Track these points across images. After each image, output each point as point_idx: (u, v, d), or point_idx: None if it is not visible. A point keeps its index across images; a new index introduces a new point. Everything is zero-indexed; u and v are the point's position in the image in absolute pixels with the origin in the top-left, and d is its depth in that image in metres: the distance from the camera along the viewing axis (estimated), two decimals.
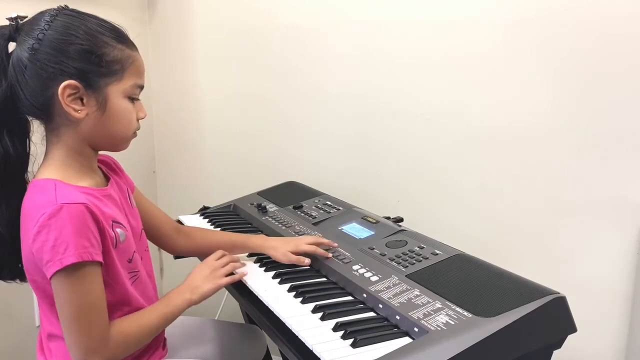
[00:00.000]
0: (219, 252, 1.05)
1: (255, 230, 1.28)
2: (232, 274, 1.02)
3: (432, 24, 1.37)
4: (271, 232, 1.23)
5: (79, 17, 0.85)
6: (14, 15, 0.86)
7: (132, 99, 0.90)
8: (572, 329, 0.80)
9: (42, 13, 0.85)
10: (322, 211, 1.27)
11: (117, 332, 0.84)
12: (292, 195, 1.42)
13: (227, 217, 1.38)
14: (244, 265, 1.06)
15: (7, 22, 0.86)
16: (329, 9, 1.54)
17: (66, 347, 0.87)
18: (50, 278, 0.79)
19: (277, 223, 1.25)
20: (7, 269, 0.91)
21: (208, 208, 1.45)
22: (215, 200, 1.51)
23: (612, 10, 1.14)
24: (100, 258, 0.81)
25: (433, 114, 1.41)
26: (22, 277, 0.90)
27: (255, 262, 1.08)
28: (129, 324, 0.87)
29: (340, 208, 1.27)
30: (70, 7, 0.88)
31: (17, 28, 0.84)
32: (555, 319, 0.78)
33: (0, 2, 1.32)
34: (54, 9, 0.86)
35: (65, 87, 0.82)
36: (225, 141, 1.87)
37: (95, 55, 0.83)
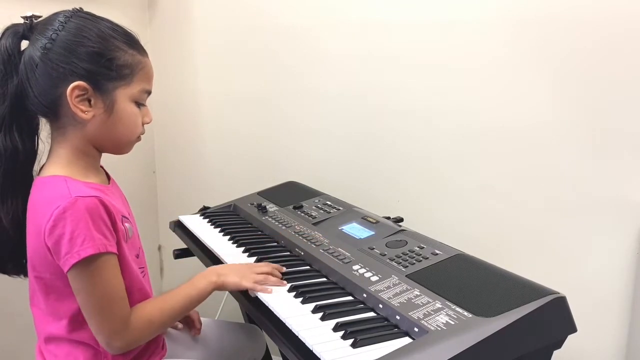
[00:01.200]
0: (267, 264, 1.01)
1: (255, 230, 1.28)
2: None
3: (432, 24, 1.37)
4: (271, 232, 1.23)
5: (93, 20, 0.87)
6: (29, 14, 0.87)
7: (139, 104, 0.91)
8: (572, 329, 0.80)
9: (56, 14, 0.86)
10: (322, 211, 1.27)
11: (139, 315, 0.86)
12: (292, 195, 1.42)
13: (227, 217, 1.38)
14: (281, 283, 0.96)
15: (21, 21, 0.87)
16: (328, 9, 1.54)
17: (68, 348, 0.87)
18: (68, 271, 0.80)
19: (277, 223, 1.25)
20: (12, 264, 0.92)
21: (208, 208, 1.45)
22: (215, 200, 1.51)
23: (613, 10, 1.14)
24: (114, 250, 0.83)
25: (433, 114, 1.41)
26: (26, 273, 0.91)
27: (256, 262, 1.07)
28: (152, 307, 0.89)
29: (340, 208, 1.27)
30: (72, 7, 0.89)
31: (31, 27, 0.86)
32: (555, 319, 0.78)
33: (8, 3, 1.33)
34: (69, 10, 0.87)
35: (74, 87, 0.83)
36: (225, 141, 1.87)
37: (105, 59, 0.85)
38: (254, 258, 1.09)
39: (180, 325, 1.16)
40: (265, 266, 1.00)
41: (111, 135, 0.89)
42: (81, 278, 0.81)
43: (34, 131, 0.90)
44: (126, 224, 0.89)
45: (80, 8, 0.89)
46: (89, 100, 0.85)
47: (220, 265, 0.98)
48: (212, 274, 0.96)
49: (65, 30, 0.84)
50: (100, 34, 0.85)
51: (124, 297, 0.85)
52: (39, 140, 0.91)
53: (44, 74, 0.83)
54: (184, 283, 0.95)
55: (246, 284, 0.94)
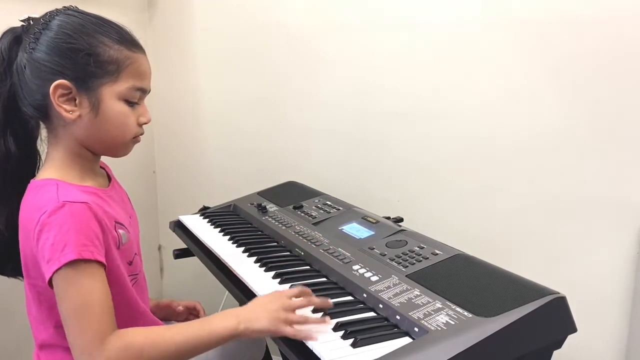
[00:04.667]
0: (301, 290, 0.86)
1: (255, 230, 1.28)
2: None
3: (434, 25, 1.37)
4: (271, 232, 1.23)
5: (78, 16, 0.84)
6: (25, 16, 0.85)
7: (131, 102, 0.87)
8: (572, 329, 0.80)
9: (46, 13, 0.85)
10: (322, 211, 1.27)
11: (119, 337, 0.76)
12: (292, 195, 1.42)
13: (227, 217, 1.38)
14: (322, 321, 0.82)
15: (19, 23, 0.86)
16: (328, 10, 1.54)
17: (62, 355, 0.86)
18: (52, 277, 0.76)
19: (277, 223, 1.25)
20: (9, 266, 0.91)
21: (208, 208, 1.45)
22: (215, 200, 1.51)
23: (614, 12, 1.14)
24: (101, 258, 0.78)
25: (433, 114, 1.41)
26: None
27: (256, 262, 1.08)
28: (140, 334, 0.79)
29: (340, 208, 1.27)
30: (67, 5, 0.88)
31: (27, 29, 0.84)
32: (555, 319, 0.78)
33: (12, 4, 1.34)
34: (59, 8, 0.85)
35: (56, 86, 0.81)
36: (225, 141, 1.87)
37: (85, 54, 0.82)
38: (254, 258, 1.09)
39: (181, 308, 1.14)
40: (299, 291, 0.85)
41: (100, 136, 0.86)
42: (61, 284, 0.76)
43: (30, 135, 0.88)
44: (120, 230, 0.86)
45: (71, 6, 0.87)
46: (75, 100, 0.83)
47: (244, 306, 0.83)
48: (235, 316, 0.80)
49: (48, 29, 0.82)
50: (81, 29, 0.82)
51: (103, 313, 0.76)
52: (41, 143, 0.89)
53: (31, 74, 0.82)
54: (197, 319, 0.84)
55: (283, 329, 0.78)
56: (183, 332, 0.79)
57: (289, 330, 0.78)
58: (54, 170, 0.86)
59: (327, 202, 1.31)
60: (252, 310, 0.82)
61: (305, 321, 0.81)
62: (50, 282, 0.77)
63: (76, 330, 0.76)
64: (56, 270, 0.75)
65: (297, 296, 0.85)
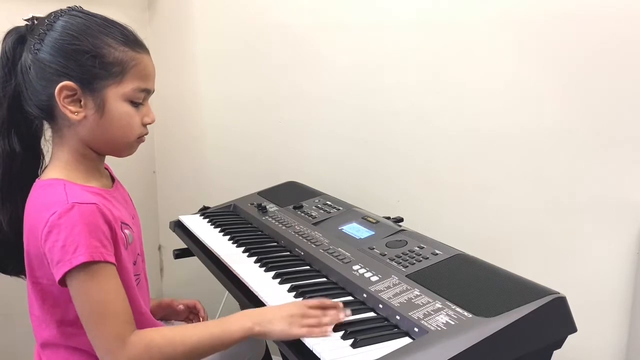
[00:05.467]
0: (322, 302, 0.84)
1: (255, 230, 1.28)
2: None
3: (433, 24, 1.37)
4: (271, 232, 1.23)
5: (83, 17, 0.84)
6: (29, 16, 0.85)
7: (135, 103, 0.87)
8: (572, 329, 0.80)
9: (50, 13, 0.84)
10: (322, 211, 1.27)
11: (140, 338, 0.78)
12: (292, 195, 1.42)
13: (227, 217, 1.38)
14: (337, 319, 0.82)
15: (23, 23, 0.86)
16: (328, 9, 1.54)
17: (65, 354, 0.86)
18: (64, 279, 0.77)
19: (277, 223, 1.25)
20: (12, 265, 0.91)
21: (208, 208, 1.45)
22: (215, 200, 1.51)
23: (613, 12, 1.14)
24: (112, 259, 0.79)
25: (433, 114, 1.41)
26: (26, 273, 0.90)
27: (256, 262, 1.08)
28: (159, 334, 0.81)
29: (340, 208, 1.27)
30: (71, 5, 0.87)
31: (32, 29, 0.84)
32: (555, 319, 0.78)
33: (15, 4, 1.34)
34: (63, 9, 0.85)
35: (61, 88, 0.81)
36: (226, 141, 1.87)
37: (90, 56, 0.81)
38: (254, 258, 1.09)
39: (181, 307, 1.14)
40: (319, 303, 0.84)
41: (105, 136, 0.86)
42: (75, 286, 0.77)
43: (34, 134, 0.88)
44: (126, 231, 0.87)
45: (76, 6, 0.87)
46: (80, 101, 0.83)
47: (260, 308, 0.85)
48: (252, 317, 0.82)
49: (53, 30, 0.81)
50: (86, 30, 0.82)
51: (121, 313, 0.79)
52: (45, 143, 0.89)
53: (35, 75, 0.82)
54: (215, 319, 0.85)
55: (296, 331, 0.79)
56: (199, 332, 0.82)
57: (303, 331, 0.79)
58: (59, 170, 0.86)
59: (327, 202, 1.31)
60: (271, 311, 0.83)
61: (318, 324, 0.80)
62: (60, 284, 0.78)
63: (97, 332, 0.78)
64: (67, 271, 0.76)
65: (315, 307, 0.83)
